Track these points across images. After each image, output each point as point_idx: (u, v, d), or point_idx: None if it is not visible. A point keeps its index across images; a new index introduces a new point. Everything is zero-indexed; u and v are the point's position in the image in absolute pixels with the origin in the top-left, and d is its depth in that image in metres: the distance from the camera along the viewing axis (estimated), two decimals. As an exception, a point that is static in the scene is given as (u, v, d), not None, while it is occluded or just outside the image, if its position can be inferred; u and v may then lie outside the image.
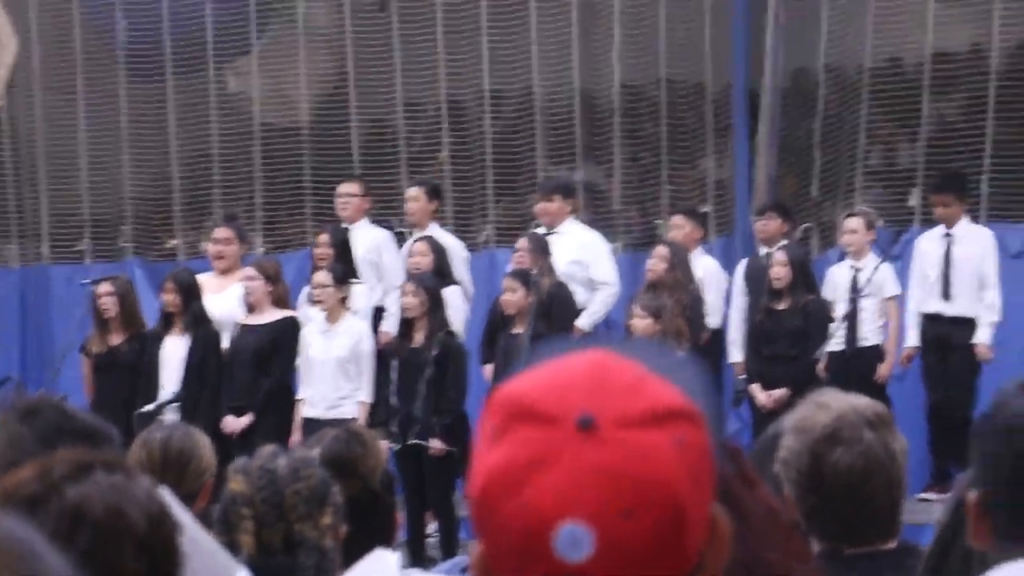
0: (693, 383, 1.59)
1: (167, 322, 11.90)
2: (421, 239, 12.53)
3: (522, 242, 12.15)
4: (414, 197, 12.97)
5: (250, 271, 11.98)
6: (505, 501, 1.52)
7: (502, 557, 1.54)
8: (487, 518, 1.54)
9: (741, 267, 12.62)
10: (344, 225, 12.96)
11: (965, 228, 12.17)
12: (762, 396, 11.63)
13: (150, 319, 12.26)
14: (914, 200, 13.39)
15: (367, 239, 12.90)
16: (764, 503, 2.01)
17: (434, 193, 13.14)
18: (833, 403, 3.52)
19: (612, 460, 1.51)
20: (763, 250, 12.46)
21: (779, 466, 3.47)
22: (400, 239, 13.34)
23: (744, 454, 2.02)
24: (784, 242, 12.42)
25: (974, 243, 12.07)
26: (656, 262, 11.89)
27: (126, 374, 11.86)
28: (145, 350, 11.87)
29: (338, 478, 3.97)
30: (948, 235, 12.11)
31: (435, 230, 12.92)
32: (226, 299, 12.17)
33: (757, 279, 12.03)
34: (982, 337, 11.86)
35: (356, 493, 4.13)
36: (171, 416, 11.00)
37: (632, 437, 1.51)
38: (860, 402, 3.55)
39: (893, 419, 3.56)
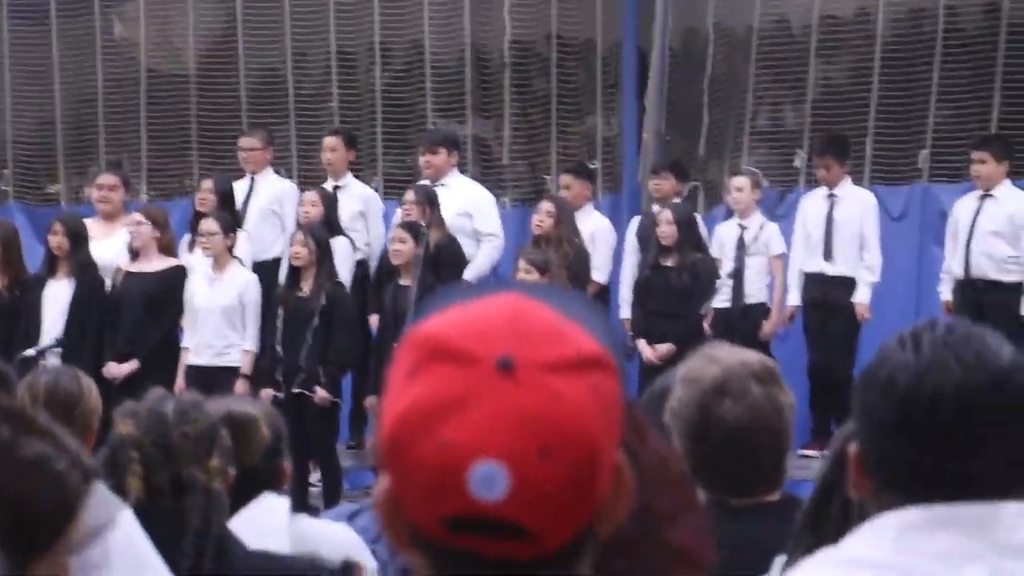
0: (602, 331, 1.61)
1: (51, 266, 11.77)
2: (315, 189, 12.51)
3: (410, 194, 12.13)
4: (332, 147, 12.91)
5: (138, 216, 11.88)
6: (421, 439, 1.52)
7: (413, 496, 1.54)
8: (400, 456, 1.54)
9: (633, 225, 12.68)
10: (249, 175, 12.92)
11: (847, 190, 12.32)
12: (647, 351, 11.72)
13: (30, 264, 12.11)
14: (799, 161, 13.52)
15: (271, 189, 12.88)
16: (655, 452, 2.03)
17: (351, 142, 13.10)
18: (722, 356, 3.56)
19: (531, 402, 1.51)
20: (656, 208, 12.54)
21: (668, 417, 3.52)
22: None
23: (636, 404, 2.04)
24: (676, 200, 12.51)
25: (855, 205, 12.22)
26: (542, 217, 11.93)
27: (7, 319, 11.73)
28: (27, 295, 11.74)
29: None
30: (831, 196, 12.25)
31: (351, 180, 12.90)
32: (110, 246, 12.06)
33: (649, 237, 12.09)
34: (861, 297, 12.02)
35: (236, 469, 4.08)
36: (53, 361, 10.89)
37: (551, 381, 1.52)
38: (749, 356, 3.60)
39: (781, 374, 3.62)
